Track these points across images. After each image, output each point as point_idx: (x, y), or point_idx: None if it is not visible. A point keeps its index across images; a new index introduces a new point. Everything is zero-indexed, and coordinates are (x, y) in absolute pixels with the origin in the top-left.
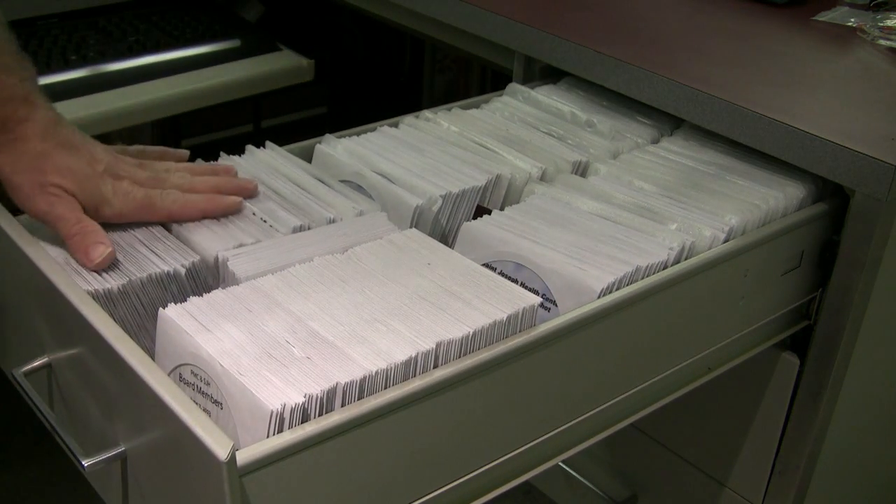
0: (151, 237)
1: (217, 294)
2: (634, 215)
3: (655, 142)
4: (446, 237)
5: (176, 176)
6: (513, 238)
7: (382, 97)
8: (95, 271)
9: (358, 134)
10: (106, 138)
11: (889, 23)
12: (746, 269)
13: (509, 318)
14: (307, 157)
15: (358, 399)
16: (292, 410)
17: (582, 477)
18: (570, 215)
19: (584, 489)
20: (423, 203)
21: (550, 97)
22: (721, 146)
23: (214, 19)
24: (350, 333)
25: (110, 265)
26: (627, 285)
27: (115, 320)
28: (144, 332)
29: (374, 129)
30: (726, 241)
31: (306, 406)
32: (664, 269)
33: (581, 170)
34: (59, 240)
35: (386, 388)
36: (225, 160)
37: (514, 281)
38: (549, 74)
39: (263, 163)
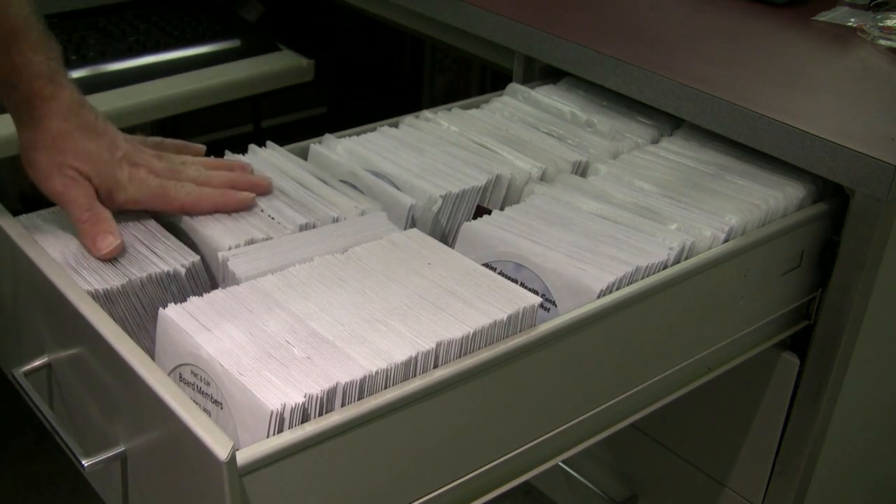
0: (151, 237)
1: (217, 294)
2: (634, 215)
3: (655, 142)
4: (446, 237)
5: (192, 168)
6: (513, 238)
7: (382, 97)
8: (102, 260)
9: (358, 134)
10: None
11: (889, 23)
12: (746, 269)
13: (509, 318)
14: (307, 157)
15: (358, 399)
16: (292, 410)
17: (582, 477)
18: (570, 215)
19: (584, 489)
20: (417, 203)
21: (550, 97)
22: (721, 146)
23: (214, 19)
24: (350, 333)
25: (110, 264)
26: (627, 285)
27: (114, 320)
28: (144, 331)
29: (374, 129)
30: (726, 241)
31: (306, 406)
32: (664, 269)
33: (581, 170)
34: (59, 240)
35: (386, 388)
36: (229, 158)
37: (514, 281)
38: (549, 74)
39: (266, 162)
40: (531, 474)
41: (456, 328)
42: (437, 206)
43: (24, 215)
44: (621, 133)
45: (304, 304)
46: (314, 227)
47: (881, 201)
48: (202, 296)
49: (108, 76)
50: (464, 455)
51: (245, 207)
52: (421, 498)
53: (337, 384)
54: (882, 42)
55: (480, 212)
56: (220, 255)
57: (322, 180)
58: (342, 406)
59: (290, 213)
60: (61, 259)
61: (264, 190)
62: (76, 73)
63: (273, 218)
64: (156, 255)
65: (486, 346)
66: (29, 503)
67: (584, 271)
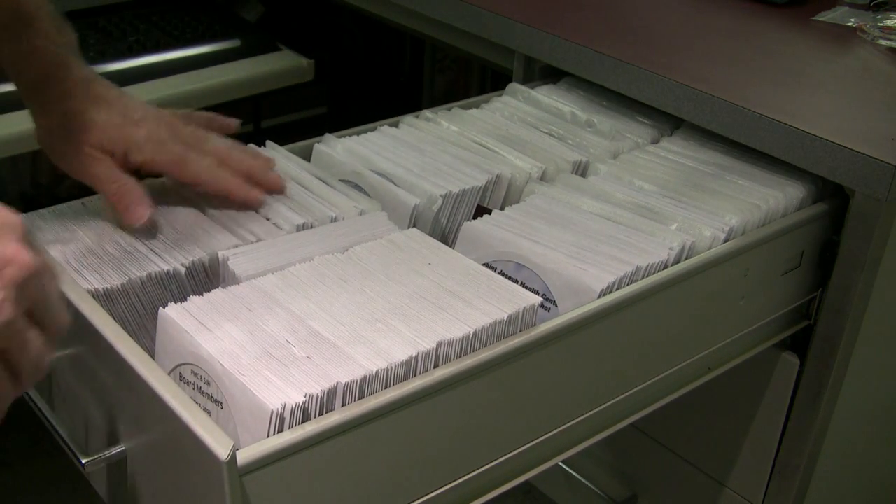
0: (151, 237)
1: (217, 293)
2: (634, 215)
3: (655, 142)
4: (446, 237)
5: (217, 140)
6: (513, 238)
7: (382, 97)
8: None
9: (358, 134)
10: None
11: (889, 23)
12: (746, 269)
13: (510, 317)
14: (307, 156)
15: (358, 399)
16: (293, 410)
17: (582, 477)
18: (570, 215)
19: (584, 489)
20: (421, 202)
21: (550, 97)
22: (721, 146)
23: (214, 19)
24: (350, 333)
25: (110, 264)
26: (627, 285)
27: (114, 319)
28: (144, 331)
29: (374, 129)
30: (726, 241)
31: (307, 406)
32: (664, 269)
33: (581, 170)
34: (59, 239)
35: (386, 387)
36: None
37: (515, 281)
38: (549, 74)
39: None
40: (531, 474)
41: (456, 328)
42: (437, 206)
43: (24, 215)
44: (621, 133)
45: (305, 303)
46: (312, 226)
47: (881, 201)
48: (202, 295)
49: (108, 76)
50: (464, 455)
51: (254, 206)
52: (421, 498)
53: (337, 384)
54: (882, 42)
55: (480, 211)
56: (220, 254)
57: (322, 180)
58: (342, 406)
59: (287, 214)
60: (61, 258)
61: (278, 189)
62: None
63: (269, 219)
64: (156, 254)
65: (486, 345)
66: (29, 503)
67: (584, 271)
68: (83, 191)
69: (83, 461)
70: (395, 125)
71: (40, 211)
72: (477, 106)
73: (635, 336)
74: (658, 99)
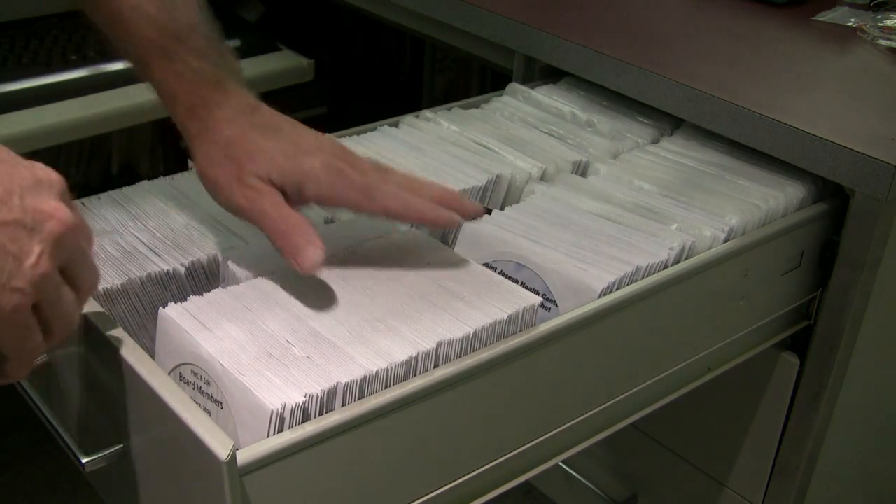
0: (151, 237)
1: (217, 293)
2: (635, 215)
3: (655, 142)
4: (446, 237)
5: (399, 175)
6: (513, 238)
7: (382, 97)
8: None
9: (358, 134)
10: (106, 138)
11: (889, 23)
12: (746, 269)
13: (510, 317)
14: None
15: (358, 399)
16: (293, 410)
17: (582, 477)
18: (570, 215)
19: (584, 489)
20: None
21: (550, 97)
22: (721, 146)
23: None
24: (350, 333)
25: (110, 264)
26: (627, 285)
27: (114, 319)
28: (144, 331)
29: (374, 129)
30: (726, 240)
31: (307, 406)
32: (664, 268)
33: (581, 170)
34: None
35: (386, 387)
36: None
37: (515, 281)
38: (549, 74)
39: None
40: (531, 474)
41: (456, 328)
42: None
43: None
44: (621, 133)
45: (305, 303)
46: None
47: (881, 201)
48: (202, 295)
49: (109, 76)
50: (464, 455)
51: (450, 227)
52: (421, 498)
53: (337, 384)
54: (882, 42)
55: None
56: (220, 254)
57: None
58: (342, 406)
59: None
60: None
61: (479, 214)
62: (76, 74)
63: None
64: (156, 254)
65: (486, 345)
66: (29, 503)
67: (584, 271)
68: (83, 191)
69: (83, 461)
70: (395, 125)
71: None
72: (477, 106)
73: (635, 336)
74: (658, 99)
